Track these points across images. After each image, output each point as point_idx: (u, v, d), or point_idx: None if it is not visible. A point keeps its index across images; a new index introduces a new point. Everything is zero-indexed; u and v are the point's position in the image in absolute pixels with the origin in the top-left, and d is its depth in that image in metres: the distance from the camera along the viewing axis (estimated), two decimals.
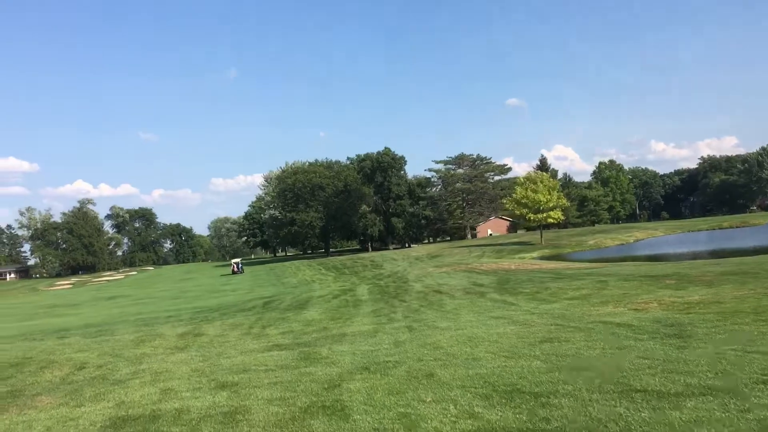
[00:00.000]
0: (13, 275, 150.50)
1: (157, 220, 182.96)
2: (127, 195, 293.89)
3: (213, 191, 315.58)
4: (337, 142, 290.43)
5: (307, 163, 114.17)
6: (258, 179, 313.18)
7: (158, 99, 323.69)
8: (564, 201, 74.83)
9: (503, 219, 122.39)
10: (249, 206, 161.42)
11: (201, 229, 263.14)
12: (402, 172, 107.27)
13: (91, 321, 29.90)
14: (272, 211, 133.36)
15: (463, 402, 7.41)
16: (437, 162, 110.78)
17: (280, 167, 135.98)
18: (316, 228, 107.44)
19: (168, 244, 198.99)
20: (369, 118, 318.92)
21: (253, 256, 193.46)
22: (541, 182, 73.10)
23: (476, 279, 34.32)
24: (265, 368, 11.08)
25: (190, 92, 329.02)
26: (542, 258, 61.43)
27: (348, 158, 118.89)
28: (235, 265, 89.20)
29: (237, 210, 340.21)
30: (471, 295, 24.65)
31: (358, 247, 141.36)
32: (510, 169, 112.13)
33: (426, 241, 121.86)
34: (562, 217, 78.16)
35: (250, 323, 20.63)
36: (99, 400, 9.47)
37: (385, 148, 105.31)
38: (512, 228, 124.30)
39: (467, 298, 23.82)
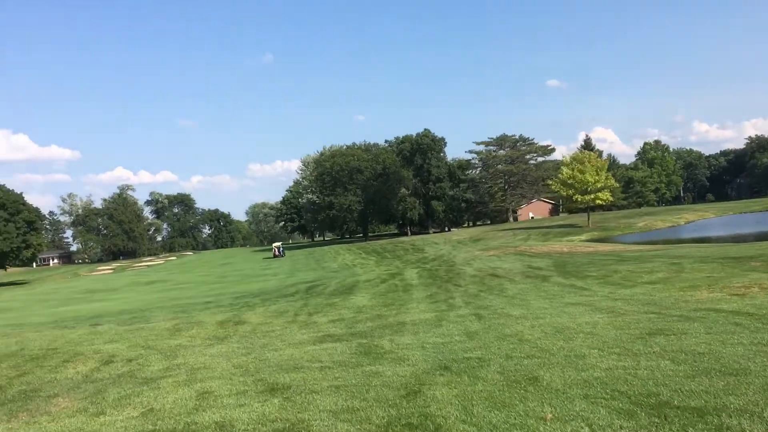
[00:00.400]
0: (56, 260, 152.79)
1: (196, 205, 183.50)
2: (167, 182, 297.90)
3: (251, 177, 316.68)
4: (374, 125, 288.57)
5: (345, 147, 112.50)
6: (295, 164, 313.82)
7: (195, 86, 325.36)
8: (612, 181, 71.70)
9: (545, 201, 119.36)
10: (286, 191, 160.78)
11: (239, 214, 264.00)
12: (442, 154, 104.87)
13: (127, 307, 28.63)
14: (310, 196, 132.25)
15: (600, 421, 5.50)
16: (478, 143, 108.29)
17: (318, 151, 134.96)
18: (354, 212, 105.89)
19: (207, 230, 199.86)
20: (407, 101, 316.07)
21: (290, 241, 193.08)
22: (589, 162, 70.09)
23: (530, 262, 32.23)
24: (320, 365, 9.31)
25: (226, 78, 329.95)
26: (591, 240, 58.75)
27: (386, 141, 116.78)
28: (276, 249, 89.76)
29: (274, 195, 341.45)
30: (532, 279, 22.62)
31: (396, 231, 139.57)
32: (553, 149, 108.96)
33: (465, 224, 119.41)
34: (611, 199, 75.06)
35: (294, 310, 18.95)
36: (124, 405, 7.80)
37: (425, 129, 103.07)
38: (554, 211, 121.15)
39: (529, 282, 21.80)
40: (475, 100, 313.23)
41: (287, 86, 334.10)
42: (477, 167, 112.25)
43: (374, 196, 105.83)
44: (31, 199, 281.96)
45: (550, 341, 9.71)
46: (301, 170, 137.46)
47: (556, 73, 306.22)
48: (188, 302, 26.61)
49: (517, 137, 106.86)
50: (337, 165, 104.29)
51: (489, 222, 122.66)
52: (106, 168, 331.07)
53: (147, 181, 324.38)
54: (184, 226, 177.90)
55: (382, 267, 47.15)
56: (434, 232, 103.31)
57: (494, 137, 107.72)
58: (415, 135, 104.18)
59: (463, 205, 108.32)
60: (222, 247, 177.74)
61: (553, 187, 74.19)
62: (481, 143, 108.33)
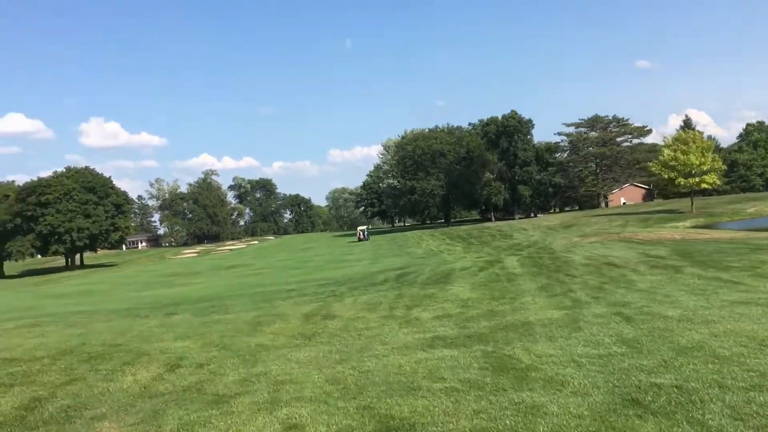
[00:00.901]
0: (144, 244, 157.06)
1: (277, 190, 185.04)
2: (249, 167, 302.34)
3: (331, 162, 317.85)
4: (455, 110, 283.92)
5: (428, 130, 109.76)
6: (375, 150, 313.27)
7: (275, 73, 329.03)
8: (720, 164, 66.15)
9: (638, 186, 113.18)
10: (367, 176, 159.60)
11: (319, 199, 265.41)
12: (529, 136, 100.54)
13: (206, 293, 27.17)
14: (390, 180, 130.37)
15: None
16: (568, 125, 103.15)
17: (399, 135, 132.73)
18: (436, 197, 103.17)
19: (288, 215, 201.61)
20: (487, 84, 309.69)
21: (369, 226, 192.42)
22: (693, 142, 64.83)
23: (644, 250, 28.83)
24: (444, 386, 6.91)
25: (305, 65, 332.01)
26: (698, 227, 54.10)
27: (470, 123, 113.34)
28: (361, 233, 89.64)
29: (354, 181, 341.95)
30: (660, 270, 19.49)
31: (478, 217, 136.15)
32: (650, 131, 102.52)
33: (552, 210, 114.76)
34: (718, 182, 69.58)
35: (388, 301, 16.63)
36: None
37: (512, 111, 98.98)
38: (648, 196, 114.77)
39: (658, 273, 18.70)
40: (558, 81, 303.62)
41: (366, 72, 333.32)
42: (566, 150, 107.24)
43: (457, 181, 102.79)
44: (122, 184, 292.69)
45: (762, 360, 6.97)
46: (381, 155, 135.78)
47: (645, 53, 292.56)
48: (270, 290, 24.81)
49: (610, 118, 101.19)
50: (420, 148, 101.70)
51: (577, 208, 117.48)
52: (192, 154, 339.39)
53: (231, 166, 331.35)
54: (266, 210, 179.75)
55: (471, 253, 44.49)
56: (520, 218, 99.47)
57: (585, 118, 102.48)
58: (500, 117, 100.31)
59: (550, 189, 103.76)
60: (302, 232, 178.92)
61: (653, 169, 69.21)
62: (571, 125, 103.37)
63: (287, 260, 58.70)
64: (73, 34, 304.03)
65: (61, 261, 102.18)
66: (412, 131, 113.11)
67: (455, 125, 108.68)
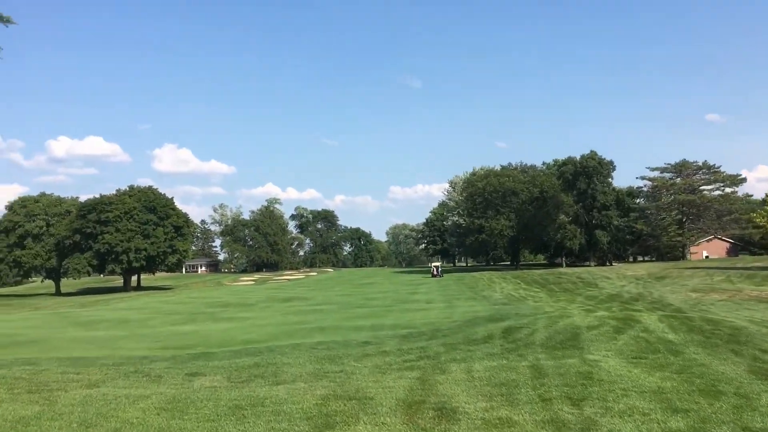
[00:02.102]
0: (204, 268, 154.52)
1: (339, 222, 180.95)
2: (312, 199, 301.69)
3: (391, 199, 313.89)
4: (515, 153, 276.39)
5: (500, 167, 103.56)
6: (436, 189, 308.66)
7: (341, 106, 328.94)
8: None
9: (723, 240, 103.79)
10: (430, 213, 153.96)
11: (378, 234, 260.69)
12: (609, 179, 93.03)
13: (255, 335, 21.54)
14: (456, 218, 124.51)
15: None
16: (652, 169, 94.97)
17: (467, 172, 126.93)
18: (505, 237, 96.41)
19: (347, 248, 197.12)
20: (549, 128, 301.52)
21: (430, 264, 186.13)
22: None
23: None
24: None
25: (372, 100, 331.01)
26: None
27: (544, 163, 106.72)
28: (435, 269, 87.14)
29: (413, 218, 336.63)
30: None
31: (543, 261, 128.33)
32: (744, 180, 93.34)
33: (628, 260, 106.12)
34: None
35: (527, 380, 10.59)
36: None
37: (591, 151, 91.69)
38: (733, 251, 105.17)
39: None
40: (627, 129, 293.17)
41: (431, 111, 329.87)
42: (648, 195, 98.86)
43: (528, 222, 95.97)
44: (189, 209, 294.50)
45: None
46: (447, 191, 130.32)
47: (716, 107, 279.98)
48: (335, 339, 18.94)
49: (699, 164, 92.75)
50: (491, 185, 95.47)
51: (654, 258, 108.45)
52: (257, 183, 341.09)
53: (294, 197, 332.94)
54: (326, 242, 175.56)
55: (562, 302, 37.92)
56: (595, 265, 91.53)
57: (672, 163, 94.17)
58: (579, 157, 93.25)
59: (629, 237, 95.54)
60: (361, 266, 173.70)
61: (757, 220, 61.12)
62: (656, 169, 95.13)
63: (348, 295, 53.03)
64: (151, 64, 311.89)
65: (120, 281, 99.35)
66: (482, 168, 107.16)
67: (529, 164, 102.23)
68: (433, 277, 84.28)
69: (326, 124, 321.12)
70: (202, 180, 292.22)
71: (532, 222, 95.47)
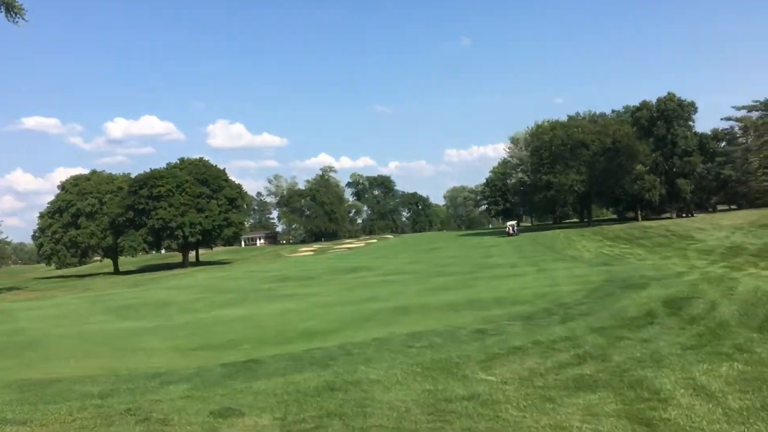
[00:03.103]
0: (262, 240, 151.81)
1: (396, 188, 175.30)
2: (366, 166, 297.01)
3: (447, 162, 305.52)
4: (574, 109, 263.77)
5: (567, 117, 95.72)
6: (491, 150, 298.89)
7: (392, 72, 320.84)
8: None
9: None
10: (490, 172, 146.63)
11: (435, 198, 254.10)
12: (690, 122, 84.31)
13: (319, 320, 16.29)
14: (520, 176, 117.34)
15: None
16: (739, 108, 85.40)
17: (528, 127, 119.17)
18: (576, 193, 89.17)
19: (405, 213, 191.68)
20: (611, 78, 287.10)
21: (490, 226, 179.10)
22: None
23: None
24: None
25: (422, 64, 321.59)
26: None
27: (613, 111, 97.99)
28: (510, 227, 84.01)
29: (470, 181, 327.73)
30: None
31: (613, 216, 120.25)
32: None
33: (710, 209, 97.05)
34: None
35: None
36: None
37: (668, 93, 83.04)
38: None
39: None
40: (701, 71, 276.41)
41: (483, 71, 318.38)
42: (734, 138, 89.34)
43: (600, 175, 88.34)
44: (245, 183, 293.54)
45: None
46: (509, 148, 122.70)
47: None
48: (431, 325, 13.43)
49: None
50: (558, 138, 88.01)
51: (735, 207, 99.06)
52: (311, 154, 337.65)
53: (348, 166, 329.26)
54: (384, 208, 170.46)
55: (672, 259, 31.69)
56: (676, 217, 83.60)
57: (761, 100, 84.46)
58: (655, 101, 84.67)
59: (713, 184, 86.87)
60: (419, 231, 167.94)
61: None
62: (743, 108, 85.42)
63: (416, 263, 47.70)
64: (201, 42, 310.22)
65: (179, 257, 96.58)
66: (546, 121, 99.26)
67: (599, 112, 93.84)
68: (508, 236, 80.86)
69: (378, 91, 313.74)
70: (256, 154, 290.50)
71: (604, 175, 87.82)
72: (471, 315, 14.86)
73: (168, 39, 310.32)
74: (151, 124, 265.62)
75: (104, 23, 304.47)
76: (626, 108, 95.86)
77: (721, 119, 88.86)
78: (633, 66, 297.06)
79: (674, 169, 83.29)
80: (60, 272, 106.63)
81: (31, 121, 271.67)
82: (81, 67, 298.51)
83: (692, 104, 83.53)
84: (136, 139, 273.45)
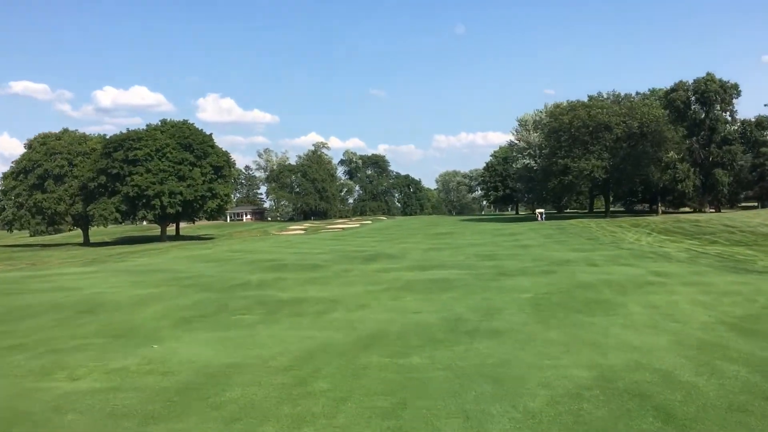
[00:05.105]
0: (249, 216, 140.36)
1: (390, 168, 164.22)
2: (355, 148, 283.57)
3: (435, 147, 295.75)
4: (563, 98, 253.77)
5: (588, 98, 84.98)
6: (480, 137, 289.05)
7: (388, 56, 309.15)
8: None
9: None
10: (491, 156, 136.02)
11: (425, 182, 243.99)
12: (731, 107, 74.22)
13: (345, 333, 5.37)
14: (526, 161, 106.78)
15: None
16: None
17: (538, 109, 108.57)
18: (597, 179, 79.08)
19: (396, 195, 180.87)
20: (605, 67, 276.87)
21: (483, 213, 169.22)
22: None
23: None
24: None
25: (418, 49, 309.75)
26: None
27: (638, 93, 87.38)
28: (539, 215, 78.59)
29: (456, 166, 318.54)
30: None
31: (620, 208, 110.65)
32: None
33: (738, 205, 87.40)
34: None
35: None
36: None
37: (707, 73, 72.73)
38: None
39: None
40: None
41: (476, 58, 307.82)
42: None
43: (622, 162, 78.19)
44: (234, 159, 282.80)
45: None
46: (515, 131, 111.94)
47: None
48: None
49: None
50: (579, 119, 77.63)
51: (756, 204, 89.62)
52: (301, 133, 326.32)
53: (337, 146, 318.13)
54: (377, 189, 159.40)
55: None
56: (710, 211, 73.67)
57: None
58: (692, 81, 74.33)
59: (753, 175, 76.96)
60: (410, 214, 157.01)
61: None
62: None
63: (440, 249, 36.88)
64: (193, 12, 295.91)
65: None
66: (568, 102, 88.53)
67: (623, 93, 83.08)
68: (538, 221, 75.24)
69: (374, 73, 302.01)
70: (246, 129, 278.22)
71: (628, 161, 77.75)
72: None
73: (161, 9, 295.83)
74: (141, 95, 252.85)
75: None
76: (652, 90, 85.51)
77: (765, 105, 79.10)
78: (636, 55, 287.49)
79: (711, 159, 73.20)
80: (29, 240, 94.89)
81: (19, 86, 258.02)
82: (73, 33, 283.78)
83: (735, 86, 73.27)
84: (125, 109, 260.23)
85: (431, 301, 15.49)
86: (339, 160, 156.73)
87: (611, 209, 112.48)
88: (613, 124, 75.84)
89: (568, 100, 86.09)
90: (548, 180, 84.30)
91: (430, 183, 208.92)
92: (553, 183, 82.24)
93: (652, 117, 73.79)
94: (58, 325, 12.96)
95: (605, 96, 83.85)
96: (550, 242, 41.72)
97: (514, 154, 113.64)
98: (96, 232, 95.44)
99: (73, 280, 22.75)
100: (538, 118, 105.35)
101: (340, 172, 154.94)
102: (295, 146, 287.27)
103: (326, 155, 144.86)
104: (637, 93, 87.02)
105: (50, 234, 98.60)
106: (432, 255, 32.98)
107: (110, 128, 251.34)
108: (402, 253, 34.15)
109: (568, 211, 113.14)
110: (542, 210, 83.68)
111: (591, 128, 77.83)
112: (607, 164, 77.21)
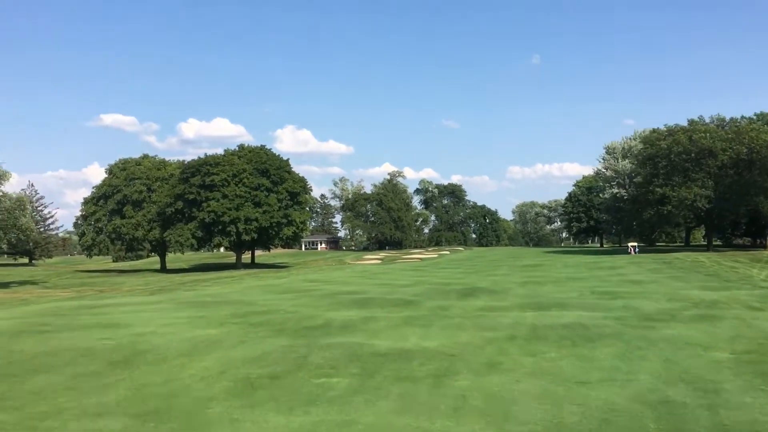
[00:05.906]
0: (324, 245, 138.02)
1: (466, 198, 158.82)
2: (429, 178, 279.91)
3: (510, 179, 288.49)
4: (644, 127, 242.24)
5: (686, 123, 78.11)
6: (555, 168, 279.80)
7: (461, 87, 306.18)
8: None
9: None
10: (573, 186, 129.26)
11: (501, 213, 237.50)
12: None
13: None
14: (615, 190, 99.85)
15: None
16: None
17: (626, 137, 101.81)
18: (700, 210, 71.83)
19: (472, 225, 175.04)
20: (692, 94, 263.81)
21: (563, 245, 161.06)
22: None
23: None
24: None
25: (493, 80, 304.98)
26: None
27: (743, 116, 79.65)
28: (632, 249, 72.81)
29: (532, 197, 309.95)
30: None
31: (710, 243, 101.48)
32: None
33: None
34: None
35: None
36: None
37: None
38: None
39: None
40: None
41: (551, 87, 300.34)
42: None
43: (727, 191, 70.77)
44: (310, 186, 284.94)
45: None
46: (602, 159, 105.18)
47: None
48: None
49: None
50: (679, 144, 70.96)
51: None
52: (375, 163, 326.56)
53: (410, 177, 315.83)
54: (453, 219, 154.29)
55: None
56: None
57: None
58: None
59: None
60: (486, 245, 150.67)
61: None
62: None
63: (540, 284, 31.88)
64: (275, 48, 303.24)
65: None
66: (666, 126, 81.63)
67: (728, 117, 75.76)
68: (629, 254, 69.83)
69: (447, 104, 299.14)
70: (321, 160, 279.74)
71: (731, 190, 70.32)
72: None
73: (243, 45, 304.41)
74: (222, 127, 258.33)
75: (179, 27, 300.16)
76: (759, 115, 77.89)
77: None
78: (713, 87, 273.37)
79: None
80: (110, 265, 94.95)
81: (109, 118, 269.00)
82: (160, 68, 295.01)
83: None
84: (207, 140, 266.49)
85: (588, 361, 10.85)
86: (414, 189, 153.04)
87: (696, 243, 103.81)
88: (718, 149, 68.91)
89: (665, 125, 79.37)
90: (641, 210, 77.52)
91: (504, 214, 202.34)
92: (649, 213, 75.32)
93: (762, 142, 66.64)
94: (73, 387, 9.10)
95: (707, 120, 76.71)
96: (663, 278, 35.95)
97: (601, 183, 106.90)
98: (174, 259, 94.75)
99: (126, 314, 19.27)
100: (627, 146, 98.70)
101: (416, 201, 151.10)
102: (370, 176, 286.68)
103: (402, 184, 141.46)
104: (743, 117, 79.53)
105: (131, 260, 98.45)
106: (536, 290, 28.07)
107: (192, 158, 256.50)
108: (499, 288, 29.37)
109: (659, 244, 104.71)
110: (635, 244, 77.91)
111: (693, 154, 71.09)
112: (711, 193, 70.07)
